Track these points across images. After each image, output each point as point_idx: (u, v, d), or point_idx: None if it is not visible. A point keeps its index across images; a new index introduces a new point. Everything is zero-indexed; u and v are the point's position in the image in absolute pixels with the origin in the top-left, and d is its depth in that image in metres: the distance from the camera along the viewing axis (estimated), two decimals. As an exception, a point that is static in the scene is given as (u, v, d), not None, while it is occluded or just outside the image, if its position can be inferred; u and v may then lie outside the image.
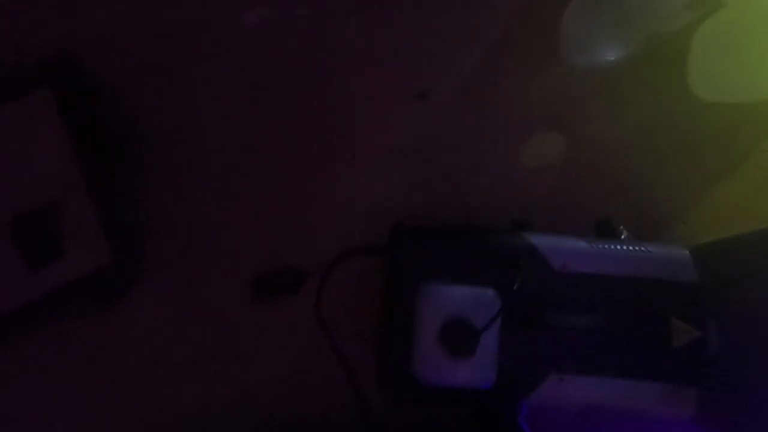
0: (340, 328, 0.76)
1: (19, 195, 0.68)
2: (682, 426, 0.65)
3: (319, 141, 0.81)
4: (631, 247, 0.64)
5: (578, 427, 0.70)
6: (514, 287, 0.60)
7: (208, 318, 0.78)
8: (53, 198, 0.69)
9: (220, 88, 0.80)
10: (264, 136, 0.80)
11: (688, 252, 0.65)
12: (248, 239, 0.79)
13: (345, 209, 0.81)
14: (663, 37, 0.76)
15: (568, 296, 0.62)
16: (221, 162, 0.79)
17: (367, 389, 0.75)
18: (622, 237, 0.67)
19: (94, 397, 0.75)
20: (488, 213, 0.76)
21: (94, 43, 0.74)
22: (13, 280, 0.67)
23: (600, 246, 0.64)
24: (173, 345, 0.77)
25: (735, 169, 0.83)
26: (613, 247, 0.64)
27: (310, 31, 0.81)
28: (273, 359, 0.78)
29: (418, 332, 0.62)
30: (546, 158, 0.81)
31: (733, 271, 0.66)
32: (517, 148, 0.81)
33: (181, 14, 0.77)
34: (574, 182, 0.81)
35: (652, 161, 0.82)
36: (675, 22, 0.74)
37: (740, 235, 0.68)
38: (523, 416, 0.70)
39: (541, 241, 0.65)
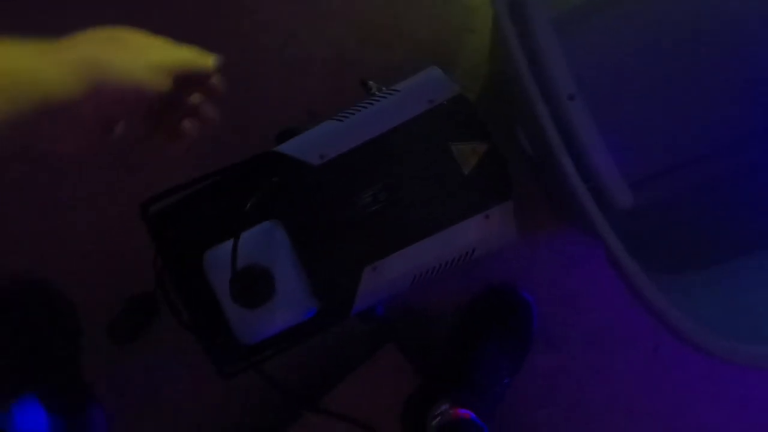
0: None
1: None
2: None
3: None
4: (378, 99, 0.56)
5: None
6: (247, 207, 0.54)
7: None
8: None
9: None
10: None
11: (438, 68, 0.56)
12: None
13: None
14: None
15: (339, 185, 0.56)
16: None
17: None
18: (372, 92, 0.59)
19: None
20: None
21: None
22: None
23: (349, 116, 0.57)
24: None
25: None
26: (362, 109, 0.57)
27: None
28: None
29: (222, 302, 0.58)
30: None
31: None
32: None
33: None
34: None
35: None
36: None
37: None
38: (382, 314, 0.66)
39: (290, 146, 0.58)
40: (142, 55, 0.30)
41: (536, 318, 0.68)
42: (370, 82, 0.59)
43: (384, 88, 0.59)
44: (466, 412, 0.65)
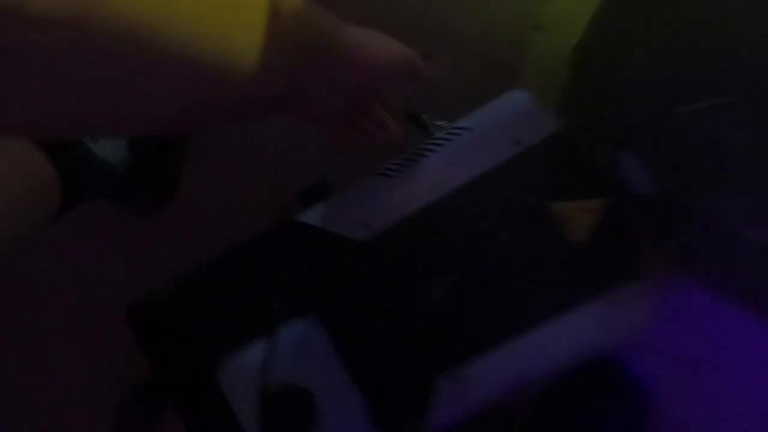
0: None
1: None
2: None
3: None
4: (440, 142, 0.40)
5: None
6: (272, 303, 0.39)
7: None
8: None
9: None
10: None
11: (527, 95, 0.40)
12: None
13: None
14: None
15: (395, 267, 0.40)
16: None
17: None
18: (430, 130, 0.43)
19: None
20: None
21: None
22: None
23: (401, 168, 0.41)
24: None
25: None
26: (418, 158, 0.41)
27: None
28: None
29: (246, 430, 0.43)
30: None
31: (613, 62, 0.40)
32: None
33: None
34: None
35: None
36: None
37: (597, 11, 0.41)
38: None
39: (321, 214, 0.42)
40: (392, 46, 0.33)
41: (649, 399, 0.52)
42: (424, 117, 0.42)
43: (445, 124, 0.43)
44: None
